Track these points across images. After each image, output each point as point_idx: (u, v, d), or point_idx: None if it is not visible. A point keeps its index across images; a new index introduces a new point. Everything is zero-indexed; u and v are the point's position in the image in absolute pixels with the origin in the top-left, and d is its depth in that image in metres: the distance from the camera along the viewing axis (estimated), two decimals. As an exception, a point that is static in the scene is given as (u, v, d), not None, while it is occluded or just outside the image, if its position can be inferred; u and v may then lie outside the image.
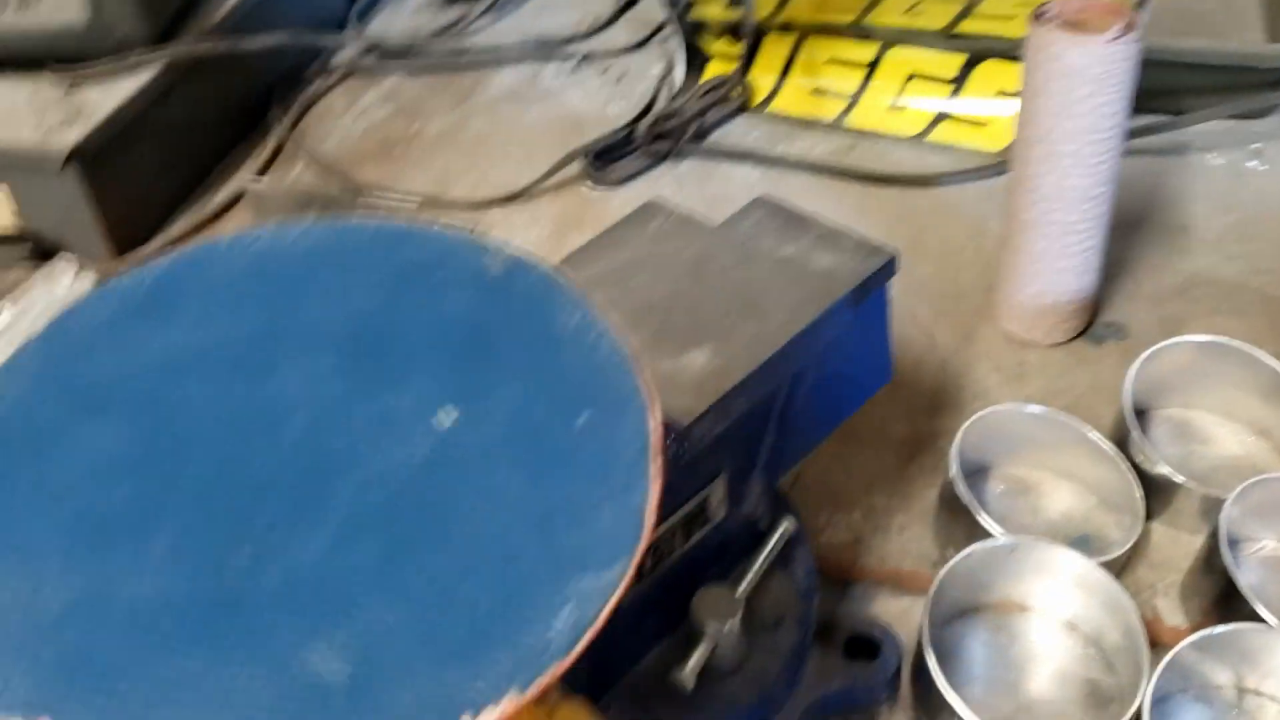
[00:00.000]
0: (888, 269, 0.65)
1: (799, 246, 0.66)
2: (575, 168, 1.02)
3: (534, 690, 0.29)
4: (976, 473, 0.74)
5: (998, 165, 0.96)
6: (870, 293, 0.64)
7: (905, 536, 0.72)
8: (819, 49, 1.07)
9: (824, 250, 0.65)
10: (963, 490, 0.67)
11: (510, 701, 0.29)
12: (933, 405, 0.80)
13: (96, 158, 0.95)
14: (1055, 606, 0.66)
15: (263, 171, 1.07)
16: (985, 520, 0.66)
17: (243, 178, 1.06)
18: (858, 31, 1.07)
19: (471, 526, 0.32)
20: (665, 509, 0.57)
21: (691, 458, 0.55)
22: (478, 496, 0.32)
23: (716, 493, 0.59)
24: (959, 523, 0.69)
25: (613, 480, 0.33)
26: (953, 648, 0.65)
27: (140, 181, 1.00)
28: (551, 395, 0.34)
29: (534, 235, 0.97)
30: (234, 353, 0.34)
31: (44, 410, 0.34)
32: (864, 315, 0.65)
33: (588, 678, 0.58)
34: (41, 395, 0.34)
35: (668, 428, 0.53)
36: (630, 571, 0.31)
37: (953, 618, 0.66)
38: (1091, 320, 0.84)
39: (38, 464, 0.33)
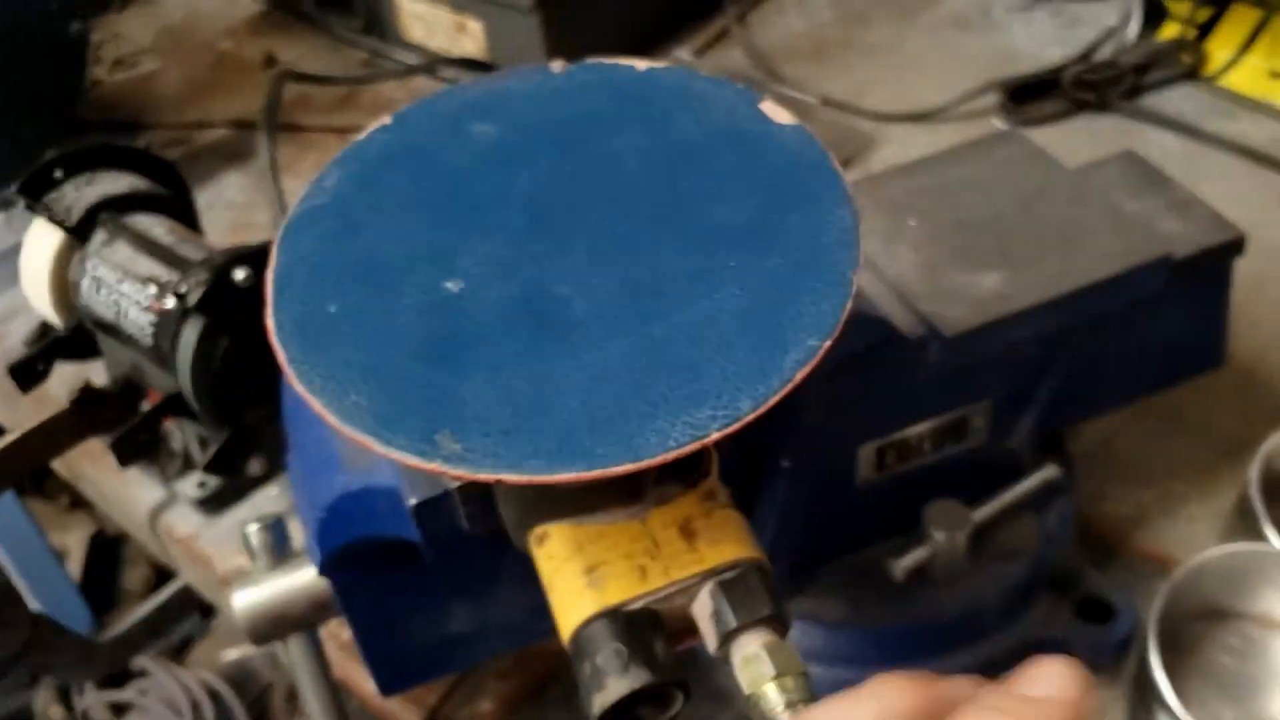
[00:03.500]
0: (1231, 248, 0.63)
1: (1146, 205, 0.65)
2: (991, 100, 1.02)
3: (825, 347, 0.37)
4: (1294, 489, 0.70)
5: None
6: (1204, 267, 0.62)
7: (1190, 528, 0.70)
8: (1289, 29, 1.00)
9: (1171, 214, 0.64)
10: (1254, 494, 0.64)
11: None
12: (1278, 414, 0.75)
13: (560, 5, 1.06)
14: (1321, 637, 0.62)
15: (701, 51, 1.15)
16: (1269, 530, 0.63)
17: (680, 53, 1.14)
18: (1341, 18, 0.99)
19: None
20: (918, 412, 0.60)
21: (953, 370, 0.57)
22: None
23: (979, 415, 0.61)
24: (1247, 530, 0.66)
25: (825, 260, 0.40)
26: (1191, 644, 0.63)
27: (592, 35, 1.11)
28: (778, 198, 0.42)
29: (928, 157, 0.99)
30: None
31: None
32: (1194, 289, 0.64)
33: (811, 544, 0.62)
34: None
35: (935, 334, 0.55)
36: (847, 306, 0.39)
37: (1202, 615, 0.64)
38: None
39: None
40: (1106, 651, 0.63)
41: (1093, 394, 0.65)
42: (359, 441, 0.37)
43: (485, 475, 0.36)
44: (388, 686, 0.59)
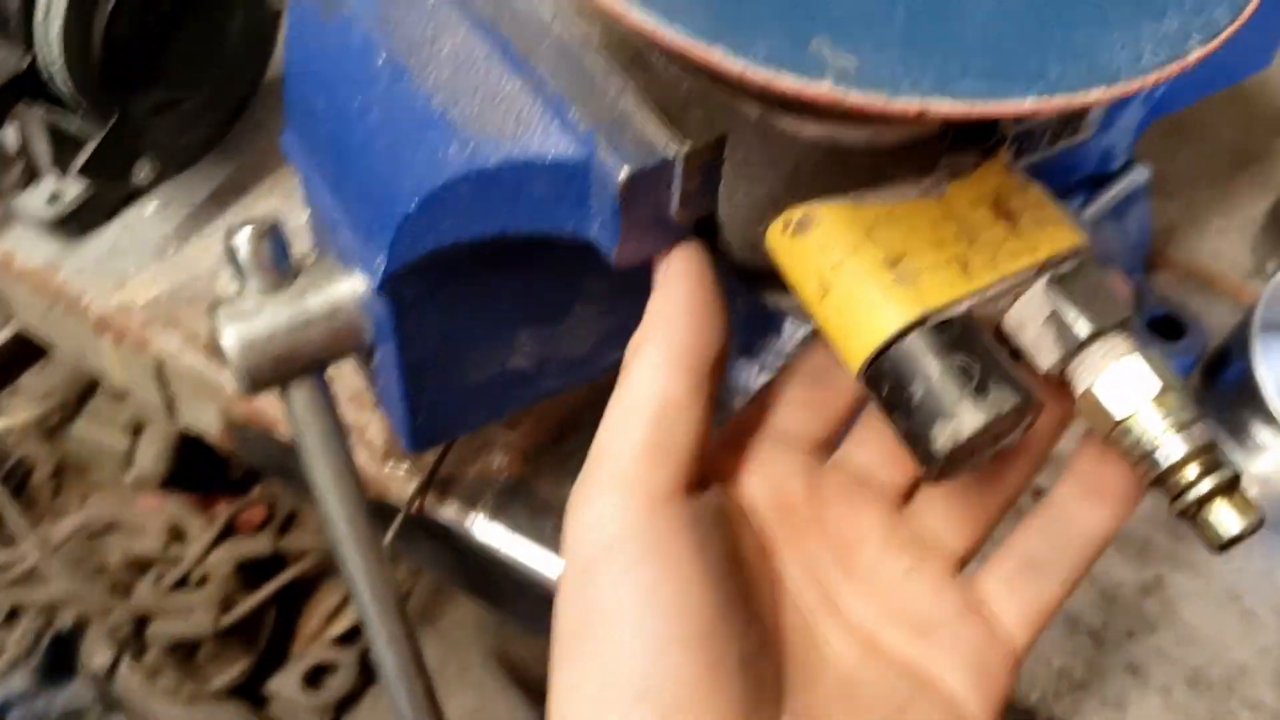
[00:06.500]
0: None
1: None
2: None
3: None
4: (1315, 199, 0.67)
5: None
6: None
7: (1221, 240, 0.66)
8: None
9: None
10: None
11: None
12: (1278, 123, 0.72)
13: None
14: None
15: None
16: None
17: None
18: None
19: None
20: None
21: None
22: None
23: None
24: (1291, 240, 0.62)
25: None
26: (1260, 356, 0.60)
27: None
28: None
29: None
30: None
31: None
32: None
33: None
34: None
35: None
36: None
37: (1267, 328, 0.61)
38: None
39: None
40: (1176, 370, 0.58)
41: (1176, 86, 0.58)
42: (683, 50, 0.24)
43: (903, 103, 0.25)
44: (419, 438, 0.47)
